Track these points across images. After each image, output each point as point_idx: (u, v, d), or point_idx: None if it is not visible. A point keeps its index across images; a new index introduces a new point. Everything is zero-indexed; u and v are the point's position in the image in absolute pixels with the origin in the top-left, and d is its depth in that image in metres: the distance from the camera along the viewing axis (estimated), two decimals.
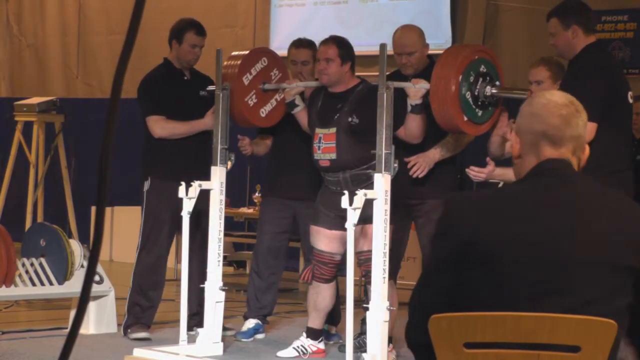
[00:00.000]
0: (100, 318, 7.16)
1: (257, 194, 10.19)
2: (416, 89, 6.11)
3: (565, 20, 5.71)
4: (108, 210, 11.26)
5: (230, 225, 9.66)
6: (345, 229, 5.79)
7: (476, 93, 5.96)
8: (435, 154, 6.39)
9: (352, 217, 5.67)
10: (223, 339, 6.62)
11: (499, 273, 2.61)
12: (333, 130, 6.36)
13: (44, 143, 10.65)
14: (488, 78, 5.98)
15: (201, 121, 7.00)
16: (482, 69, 5.98)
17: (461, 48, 6.19)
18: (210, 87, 6.99)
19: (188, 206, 6.40)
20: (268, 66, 6.94)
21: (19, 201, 10.91)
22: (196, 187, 6.42)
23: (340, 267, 6.53)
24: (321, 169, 6.42)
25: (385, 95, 5.82)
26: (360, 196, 5.68)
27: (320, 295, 6.49)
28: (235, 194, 10.41)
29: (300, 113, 6.71)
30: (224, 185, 6.58)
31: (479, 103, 5.97)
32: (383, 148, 5.79)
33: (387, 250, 5.77)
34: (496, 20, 10.06)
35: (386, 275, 5.78)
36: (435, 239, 2.84)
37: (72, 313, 7.13)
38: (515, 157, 2.81)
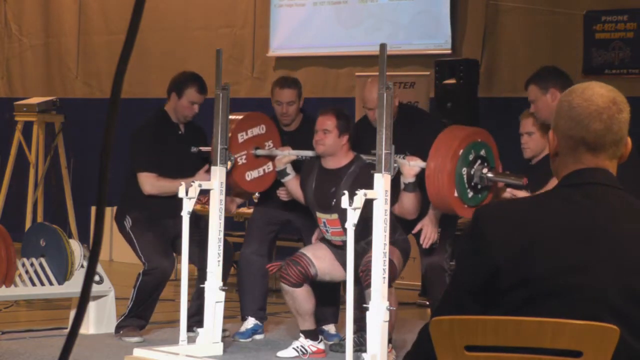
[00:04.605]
0: (100, 318, 7.16)
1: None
2: (410, 167, 6.10)
3: (543, 84, 5.76)
4: (108, 210, 11.26)
5: (230, 225, 9.66)
6: (344, 268, 5.84)
7: (472, 172, 5.94)
8: (437, 213, 6.40)
9: (352, 217, 5.67)
10: (222, 339, 6.63)
11: (537, 299, 2.49)
12: (335, 216, 6.41)
13: (44, 143, 10.65)
14: (485, 163, 5.98)
15: (192, 180, 6.97)
16: (482, 152, 5.97)
17: (465, 127, 6.22)
18: (204, 148, 6.95)
19: (188, 206, 6.42)
20: (264, 135, 6.96)
21: (19, 201, 10.91)
22: (196, 187, 6.42)
23: (310, 281, 6.53)
24: (336, 247, 6.50)
25: (385, 95, 5.81)
26: (360, 196, 5.68)
27: (297, 301, 6.51)
28: None
29: (291, 182, 6.73)
30: (224, 185, 6.58)
31: (472, 184, 5.95)
32: (383, 148, 5.78)
33: (387, 250, 5.77)
34: (496, 20, 10.06)
35: (386, 275, 5.78)
36: (463, 257, 2.66)
37: (72, 313, 7.13)
38: (552, 155, 2.69)
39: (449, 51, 10.11)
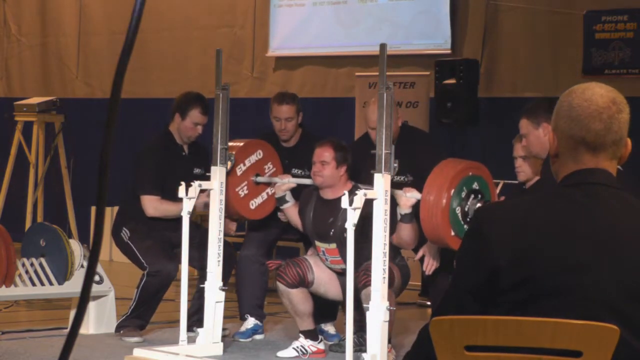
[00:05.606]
0: (100, 318, 7.16)
1: None
2: (407, 198, 6.10)
3: (535, 119, 5.71)
4: (108, 210, 11.27)
5: None
6: (342, 290, 5.89)
7: (466, 209, 5.93)
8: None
9: (352, 217, 5.67)
10: (222, 338, 6.63)
11: (537, 299, 2.50)
12: (333, 245, 6.45)
13: (44, 143, 10.65)
14: (480, 196, 5.97)
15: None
16: (475, 186, 5.96)
17: (457, 162, 6.16)
18: (207, 178, 6.97)
19: (188, 206, 6.42)
20: (263, 159, 6.96)
21: (19, 201, 10.91)
22: (196, 187, 6.43)
23: (305, 286, 6.55)
24: (336, 274, 6.55)
25: (385, 95, 5.81)
26: (360, 196, 5.68)
27: (293, 302, 6.53)
28: None
29: (290, 209, 6.75)
30: (224, 185, 6.58)
31: (468, 220, 5.94)
32: (383, 148, 5.78)
33: (387, 250, 5.77)
34: (496, 20, 10.06)
35: (386, 275, 5.78)
36: (463, 257, 2.65)
37: (72, 313, 7.14)
38: (552, 156, 2.69)
39: (449, 51, 10.11)
